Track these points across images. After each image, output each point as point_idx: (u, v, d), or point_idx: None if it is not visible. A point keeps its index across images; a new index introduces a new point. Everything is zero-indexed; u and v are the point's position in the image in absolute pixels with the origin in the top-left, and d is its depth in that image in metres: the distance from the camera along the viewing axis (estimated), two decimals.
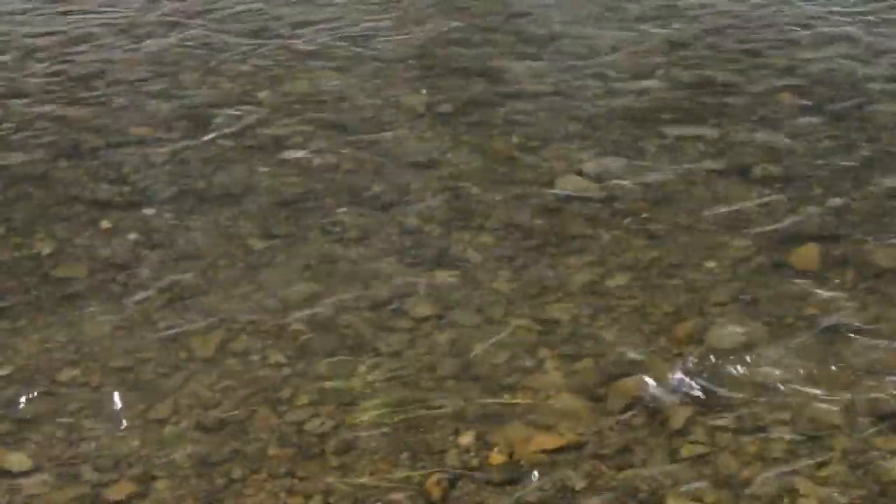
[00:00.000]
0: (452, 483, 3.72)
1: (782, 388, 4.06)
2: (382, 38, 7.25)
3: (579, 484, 3.70)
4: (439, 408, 4.05)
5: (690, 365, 4.19)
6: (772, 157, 5.61)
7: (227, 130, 6.11)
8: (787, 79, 6.45)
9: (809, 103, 6.16)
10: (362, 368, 4.27)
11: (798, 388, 4.06)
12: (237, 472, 3.81)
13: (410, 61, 6.89)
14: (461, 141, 5.90)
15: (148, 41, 7.33)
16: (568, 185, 5.43)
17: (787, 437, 3.84)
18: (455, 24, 7.43)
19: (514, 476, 3.74)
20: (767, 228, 5.03)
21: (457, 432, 3.93)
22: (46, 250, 5.08)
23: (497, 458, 3.82)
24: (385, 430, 3.96)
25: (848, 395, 4.01)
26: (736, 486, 3.66)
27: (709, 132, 5.88)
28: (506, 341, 4.39)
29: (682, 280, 4.70)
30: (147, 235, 5.18)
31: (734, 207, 5.20)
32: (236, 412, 4.08)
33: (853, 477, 3.67)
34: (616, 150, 5.74)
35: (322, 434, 3.96)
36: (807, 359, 4.21)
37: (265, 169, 5.70)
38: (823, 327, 4.38)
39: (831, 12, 7.36)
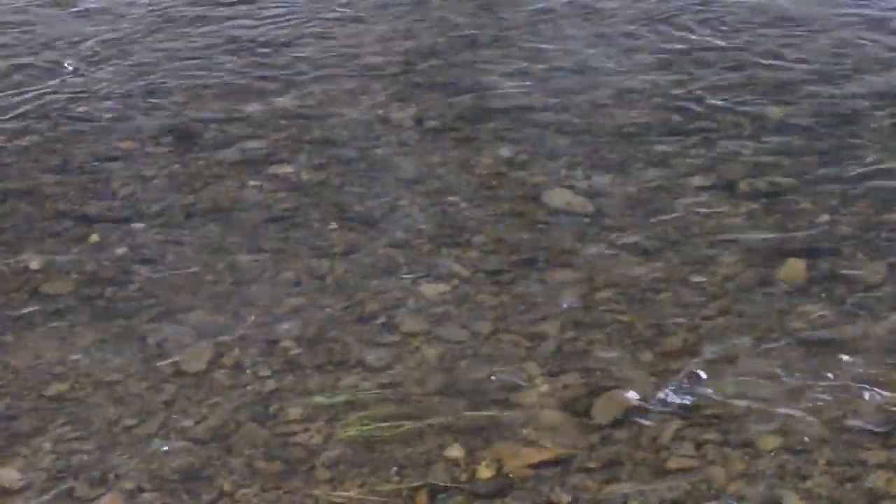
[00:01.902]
0: (440, 496, 3.73)
1: (769, 401, 4.08)
2: (370, 53, 7.27)
3: (566, 498, 3.71)
4: (427, 422, 4.05)
5: (677, 379, 4.20)
6: (759, 172, 5.63)
7: (214, 145, 6.11)
8: (775, 94, 6.47)
9: (797, 119, 6.18)
10: (350, 382, 4.27)
11: (785, 401, 4.07)
12: (226, 486, 3.81)
13: (399, 76, 6.91)
14: (449, 156, 5.91)
15: (135, 55, 7.34)
16: (556, 199, 5.45)
17: (774, 450, 3.85)
18: (444, 39, 7.46)
19: (501, 490, 3.75)
20: (755, 243, 5.05)
21: (445, 446, 3.94)
22: (34, 265, 5.08)
23: (485, 471, 3.83)
24: (373, 443, 3.96)
25: (834, 409, 4.03)
26: (723, 499, 3.67)
27: (696, 147, 5.90)
28: (493, 356, 4.40)
29: (670, 294, 4.72)
30: (135, 250, 5.18)
31: (722, 222, 5.22)
32: (224, 426, 4.08)
33: (839, 491, 3.69)
34: (604, 165, 5.76)
35: (310, 447, 3.97)
36: (794, 373, 4.22)
37: (253, 184, 5.71)
38: (810, 342, 4.39)
39: (818, 29, 7.39)
